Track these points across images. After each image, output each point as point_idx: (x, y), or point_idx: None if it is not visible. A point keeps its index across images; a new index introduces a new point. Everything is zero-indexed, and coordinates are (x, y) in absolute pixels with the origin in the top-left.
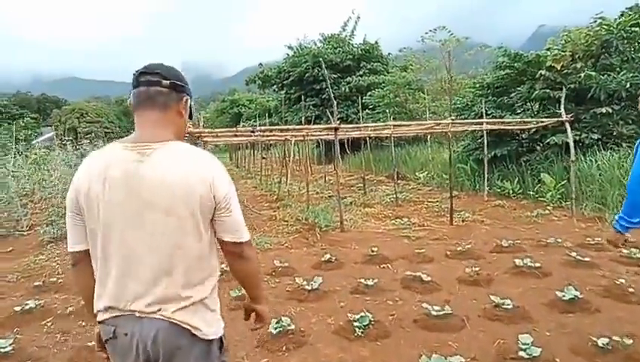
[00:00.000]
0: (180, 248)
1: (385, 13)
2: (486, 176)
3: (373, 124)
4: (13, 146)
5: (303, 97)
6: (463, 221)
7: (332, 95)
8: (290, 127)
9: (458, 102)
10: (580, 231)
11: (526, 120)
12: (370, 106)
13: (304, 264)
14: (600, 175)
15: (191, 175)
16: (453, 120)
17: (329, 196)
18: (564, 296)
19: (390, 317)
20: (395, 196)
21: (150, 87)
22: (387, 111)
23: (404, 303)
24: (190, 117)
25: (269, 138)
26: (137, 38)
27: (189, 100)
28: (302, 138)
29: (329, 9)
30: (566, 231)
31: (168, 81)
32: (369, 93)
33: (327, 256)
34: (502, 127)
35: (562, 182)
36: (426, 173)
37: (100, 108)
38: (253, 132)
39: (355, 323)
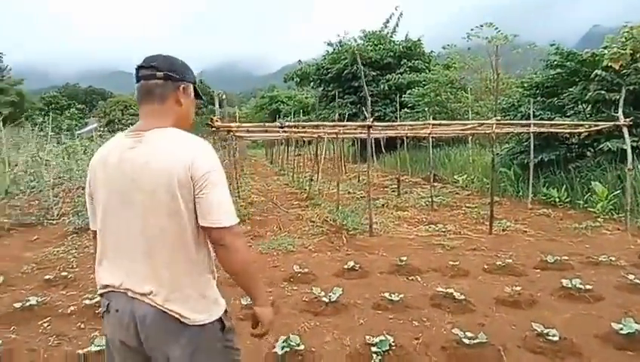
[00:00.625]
0: (163, 230)
1: (431, 9)
2: (531, 181)
3: (410, 123)
4: (51, 136)
5: (340, 94)
6: (503, 230)
7: (367, 91)
8: (322, 123)
9: (504, 103)
10: (636, 248)
11: (578, 123)
12: (410, 105)
13: (326, 271)
14: None
15: (172, 157)
16: (498, 120)
17: (361, 197)
18: (621, 328)
19: (415, 342)
20: (430, 199)
21: (147, 80)
22: (427, 110)
23: (432, 324)
24: (198, 97)
25: (301, 134)
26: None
27: (188, 86)
28: (335, 135)
29: (373, 6)
30: (620, 248)
31: (162, 73)
32: (408, 92)
33: (352, 264)
34: (551, 130)
35: (615, 192)
36: (466, 176)
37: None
38: (282, 127)
39: (374, 348)
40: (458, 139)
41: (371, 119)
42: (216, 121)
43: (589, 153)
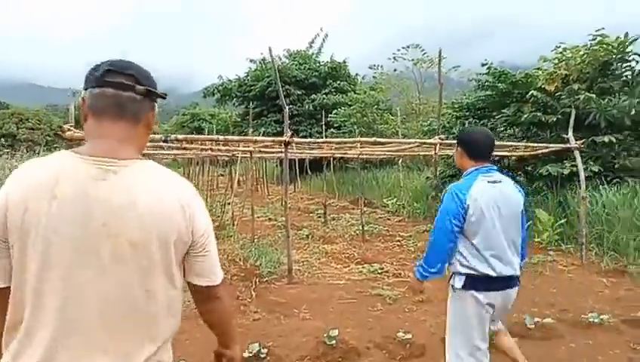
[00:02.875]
0: (149, 296)
1: (358, 32)
2: None
3: (336, 140)
4: None
5: (265, 112)
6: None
7: (284, 102)
8: (232, 138)
9: (433, 124)
10: (612, 294)
11: (530, 145)
12: (336, 125)
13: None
14: (607, 214)
15: (167, 203)
16: (441, 139)
17: (283, 225)
18: None
19: None
20: (361, 228)
21: (121, 91)
22: (354, 130)
23: None
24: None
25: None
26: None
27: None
28: (249, 154)
29: (301, 27)
30: (592, 292)
31: (143, 88)
32: (334, 112)
33: (256, 348)
34: (501, 153)
35: (560, 221)
36: (395, 199)
37: (43, 115)
38: (165, 141)
39: None
40: (385, 161)
41: (289, 134)
42: (68, 130)
43: (520, 178)
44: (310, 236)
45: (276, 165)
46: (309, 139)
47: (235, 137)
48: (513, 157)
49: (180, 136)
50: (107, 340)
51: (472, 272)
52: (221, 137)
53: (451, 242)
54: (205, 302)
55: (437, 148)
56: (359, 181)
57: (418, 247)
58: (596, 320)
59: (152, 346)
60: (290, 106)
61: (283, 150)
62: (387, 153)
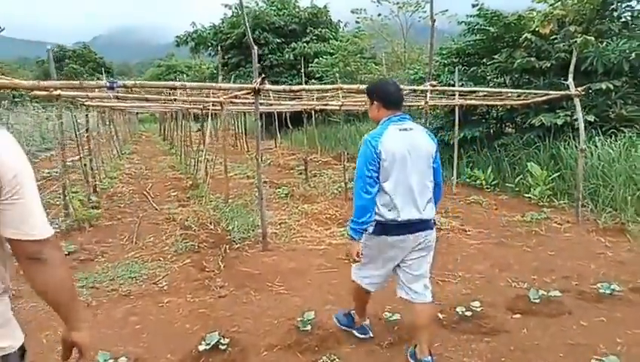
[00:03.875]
0: None
1: None
2: (456, 161)
3: (315, 86)
4: None
5: (242, 63)
6: (438, 229)
7: (251, 40)
8: (187, 84)
9: (420, 73)
10: (615, 256)
11: (530, 91)
12: (317, 76)
13: (167, 350)
14: (603, 168)
15: None
16: (433, 85)
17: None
18: None
19: None
20: (344, 185)
21: None
22: (336, 81)
23: None
24: None
25: (175, 106)
26: None
27: None
28: (219, 107)
29: None
30: (593, 255)
31: None
32: (316, 61)
33: (215, 338)
34: (492, 102)
35: (553, 175)
36: None
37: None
38: (111, 88)
39: None
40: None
41: (258, 80)
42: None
43: (510, 129)
44: (289, 195)
45: (256, 119)
46: (282, 86)
47: (195, 83)
48: (501, 108)
49: (128, 83)
50: None
51: (381, 219)
52: (178, 83)
53: (372, 187)
54: (25, 263)
55: (428, 95)
56: (342, 135)
57: None
58: (607, 291)
59: None
60: (270, 56)
61: (254, 99)
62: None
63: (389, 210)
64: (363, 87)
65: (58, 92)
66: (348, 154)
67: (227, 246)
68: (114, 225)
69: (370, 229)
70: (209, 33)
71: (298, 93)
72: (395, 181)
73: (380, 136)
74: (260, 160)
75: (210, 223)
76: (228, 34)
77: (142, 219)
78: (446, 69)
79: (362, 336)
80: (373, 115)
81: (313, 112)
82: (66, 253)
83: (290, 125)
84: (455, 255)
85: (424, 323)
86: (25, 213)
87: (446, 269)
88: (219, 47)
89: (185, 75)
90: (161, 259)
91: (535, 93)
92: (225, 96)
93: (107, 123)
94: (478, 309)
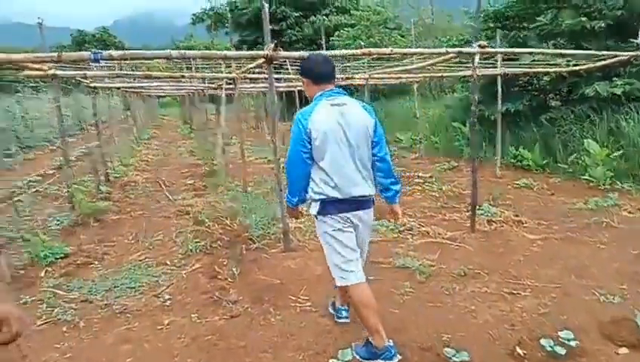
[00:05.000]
0: None
1: None
2: (499, 139)
3: (340, 51)
4: None
5: (260, 40)
6: (489, 222)
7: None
8: (183, 51)
9: (454, 40)
10: None
11: (592, 53)
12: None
13: None
14: None
15: None
16: (483, 46)
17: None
18: None
19: None
20: None
21: None
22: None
23: None
24: None
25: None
26: None
27: None
28: (232, 87)
29: None
30: None
31: None
32: (337, 34)
33: None
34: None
35: (616, 153)
36: (410, 133)
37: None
38: (96, 60)
39: None
40: (397, 90)
41: (271, 45)
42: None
43: (554, 102)
44: None
45: (280, 98)
46: (299, 52)
47: (196, 52)
48: (545, 78)
49: (114, 53)
50: None
51: (323, 197)
52: (174, 52)
53: (303, 168)
54: None
55: (476, 60)
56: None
57: (444, 192)
58: None
59: None
60: (289, 31)
61: (266, 70)
62: (404, 76)
63: (330, 188)
64: (397, 50)
65: (52, 71)
66: None
67: (243, 247)
68: (121, 219)
69: (315, 210)
70: (225, 10)
71: None
72: (331, 158)
73: (309, 113)
74: (275, 142)
75: (226, 217)
76: (244, 9)
77: (152, 213)
78: (483, 34)
79: None
80: (307, 92)
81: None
82: (61, 256)
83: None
84: (516, 255)
85: (371, 302)
86: None
87: (510, 276)
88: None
89: None
90: (167, 262)
91: (601, 55)
92: (237, 71)
93: (124, 107)
94: (572, 342)
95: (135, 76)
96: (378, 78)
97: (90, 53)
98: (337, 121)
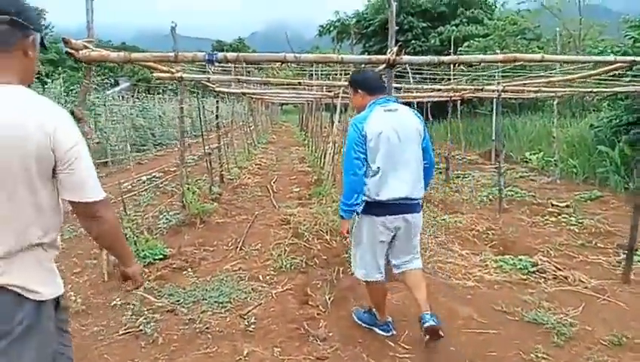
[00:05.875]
0: (11, 201)
1: None
2: None
3: (468, 57)
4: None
5: (384, 51)
6: None
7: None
8: (299, 55)
9: (608, 52)
10: None
11: None
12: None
13: None
14: None
15: (27, 122)
16: None
17: None
18: None
19: None
20: (498, 191)
21: None
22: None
23: None
24: (43, 46)
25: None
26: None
27: (37, 37)
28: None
29: None
30: None
31: (8, 17)
32: (466, 44)
33: None
34: None
35: None
36: (542, 153)
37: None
38: (210, 61)
39: None
40: (527, 105)
41: (394, 49)
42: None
43: None
44: (425, 200)
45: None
46: (428, 57)
47: (306, 55)
48: None
49: (229, 55)
50: None
51: (369, 199)
52: (290, 55)
53: (359, 169)
54: (83, 219)
55: None
56: (495, 127)
57: (585, 227)
58: None
59: (20, 244)
60: (413, 42)
61: (386, 76)
62: (546, 90)
63: (379, 189)
64: (550, 57)
65: (180, 74)
66: (503, 152)
67: (340, 269)
68: (225, 223)
69: (360, 209)
70: (351, 21)
71: (442, 80)
72: (384, 160)
73: (365, 118)
74: None
75: (327, 231)
76: (370, 20)
77: (255, 219)
78: None
79: (385, 334)
80: (357, 103)
81: (459, 102)
82: (160, 257)
83: (430, 117)
84: None
85: (417, 282)
86: (81, 180)
87: None
88: (360, 36)
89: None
90: (260, 277)
91: None
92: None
93: (247, 112)
94: None
95: (254, 82)
96: (514, 91)
97: (205, 53)
98: (391, 124)
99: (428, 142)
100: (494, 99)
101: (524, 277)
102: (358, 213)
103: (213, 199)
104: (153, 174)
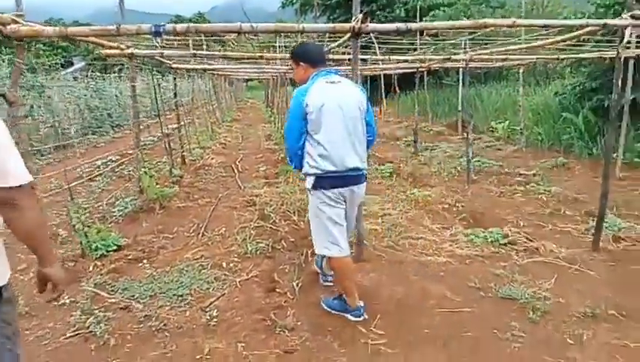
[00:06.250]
0: None
1: None
2: (623, 133)
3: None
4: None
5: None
6: (615, 239)
7: None
8: (255, 24)
9: (572, 19)
10: None
11: None
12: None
13: None
14: None
15: None
16: (635, 17)
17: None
18: None
19: None
20: (466, 162)
21: None
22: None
23: None
24: None
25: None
26: None
27: None
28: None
29: None
30: None
31: None
32: (431, 13)
33: None
34: None
35: None
36: (507, 122)
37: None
38: (157, 33)
39: None
40: (492, 75)
41: (359, 17)
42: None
43: None
44: (394, 174)
45: (364, 83)
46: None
47: (265, 24)
48: None
49: (178, 26)
50: None
51: (319, 172)
52: (245, 25)
53: (299, 140)
54: (5, 211)
55: (626, 35)
56: (461, 98)
57: (552, 194)
58: None
59: None
60: (378, 13)
61: (351, 46)
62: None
63: (325, 160)
64: (522, 21)
65: (130, 50)
66: (465, 123)
67: (308, 252)
68: (187, 207)
69: (310, 184)
70: None
71: (408, 50)
72: (327, 131)
73: (307, 90)
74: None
75: (294, 212)
76: None
77: (219, 202)
78: (607, 13)
79: (357, 319)
80: (299, 76)
81: (425, 73)
82: (114, 248)
83: (397, 88)
84: None
85: (352, 274)
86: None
87: None
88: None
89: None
90: (223, 265)
91: None
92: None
93: (209, 89)
94: None
95: (212, 57)
96: (481, 60)
97: (151, 26)
98: (334, 97)
99: (371, 115)
100: (460, 69)
101: (496, 250)
102: (309, 190)
103: (174, 182)
104: (110, 158)
